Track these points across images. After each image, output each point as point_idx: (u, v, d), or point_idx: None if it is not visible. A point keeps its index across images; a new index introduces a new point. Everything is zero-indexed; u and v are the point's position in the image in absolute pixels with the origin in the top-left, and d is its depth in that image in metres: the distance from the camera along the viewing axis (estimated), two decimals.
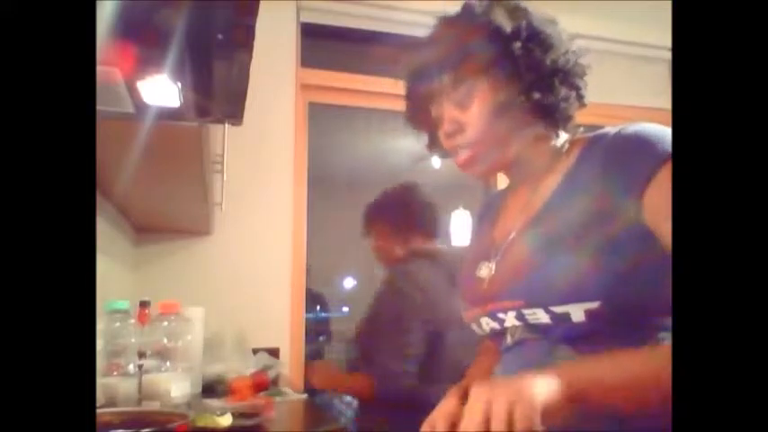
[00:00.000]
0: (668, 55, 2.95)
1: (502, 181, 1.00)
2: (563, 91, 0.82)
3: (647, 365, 0.66)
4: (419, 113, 0.92)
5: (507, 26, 0.81)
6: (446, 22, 0.87)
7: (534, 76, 0.80)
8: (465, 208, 3.11)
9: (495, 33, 0.81)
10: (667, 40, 2.62)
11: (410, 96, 0.93)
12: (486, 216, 1.00)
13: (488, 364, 0.96)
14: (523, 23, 0.81)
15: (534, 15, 0.83)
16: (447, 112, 0.85)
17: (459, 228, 3.07)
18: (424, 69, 0.87)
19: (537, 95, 0.81)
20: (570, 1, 2.58)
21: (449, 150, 0.89)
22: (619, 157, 0.75)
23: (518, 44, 0.80)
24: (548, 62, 0.81)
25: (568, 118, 0.85)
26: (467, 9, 0.86)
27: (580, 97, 0.85)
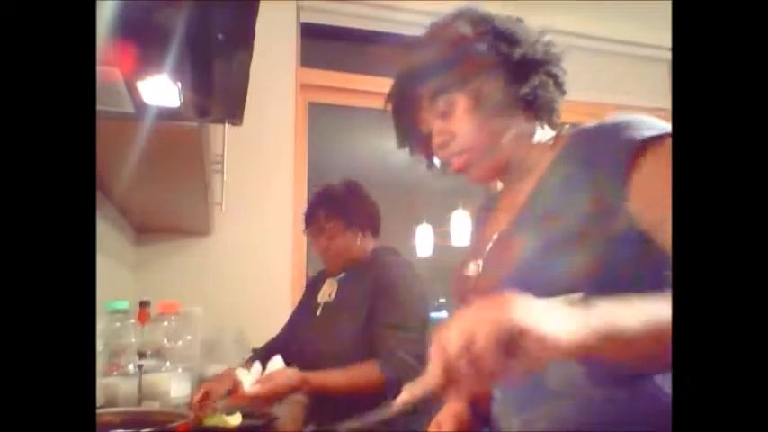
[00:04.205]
0: (668, 55, 2.95)
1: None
2: (537, 80, 0.84)
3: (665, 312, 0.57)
4: (409, 134, 0.95)
5: (470, 32, 0.85)
6: (417, 42, 0.90)
7: (506, 70, 0.84)
8: (465, 208, 3.11)
9: (461, 41, 0.84)
10: (667, 40, 2.62)
11: (397, 120, 0.95)
12: (481, 218, 1.02)
13: None
14: (486, 26, 0.85)
15: (498, 18, 0.87)
16: (434, 125, 0.88)
17: (459, 228, 3.07)
18: (404, 92, 0.90)
19: (513, 89, 0.84)
20: (571, 1, 2.60)
21: (445, 160, 0.91)
22: (600, 148, 0.76)
23: (483, 45, 0.84)
24: (516, 55, 0.83)
25: (551, 108, 0.87)
26: (432, 27, 0.90)
27: (559, 85, 0.87)
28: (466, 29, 0.85)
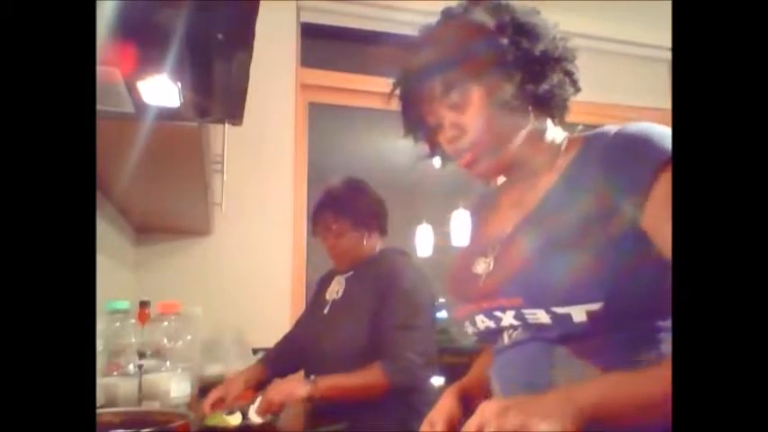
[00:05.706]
0: (668, 55, 2.95)
1: (502, 180, 0.99)
2: (556, 78, 0.82)
3: (657, 384, 0.62)
4: (416, 124, 0.92)
5: (491, 23, 0.81)
6: (429, 29, 0.87)
7: (525, 67, 0.80)
8: (465, 208, 3.11)
9: (480, 31, 0.81)
10: (667, 40, 2.62)
11: (405, 108, 0.92)
12: (480, 213, 1.00)
13: (487, 365, 0.96)
14: (507, 18, 0.82)
15: (516, 8, 0.83)
16: (445, 117, 0.85)
17: (459, 228, 3.07)
18: (414, 80, 0.87)
19: (530, 86, 0.81)
20: (571, 1, 2.59)
21: (453, 154, 0.88)
22: (621, 156, 0.75)
23: (504, 39, 0.80)
24: (537, 52, 0.81)
25: (565, 106, 0.86)
26: (446, 14, 0.86)
27: (574, 83, 0.85)
28: (485, 18, 0.81)
